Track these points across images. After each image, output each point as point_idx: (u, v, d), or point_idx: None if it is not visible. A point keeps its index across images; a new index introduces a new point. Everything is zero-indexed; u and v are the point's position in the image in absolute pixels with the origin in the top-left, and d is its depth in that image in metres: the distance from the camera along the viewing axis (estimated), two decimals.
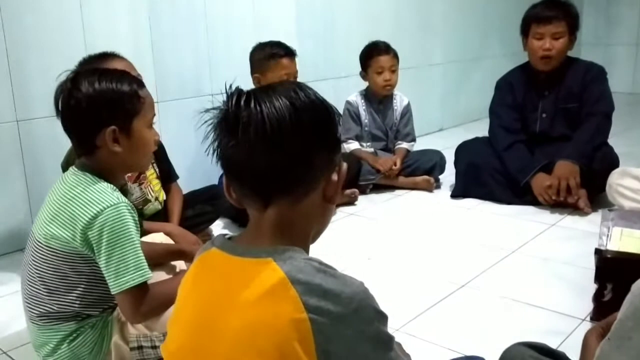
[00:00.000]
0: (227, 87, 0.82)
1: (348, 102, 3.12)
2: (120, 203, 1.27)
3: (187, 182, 2.62)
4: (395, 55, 3.07)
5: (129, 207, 1.29)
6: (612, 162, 2.61)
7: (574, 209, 2.57)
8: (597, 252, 1.65)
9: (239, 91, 0.81)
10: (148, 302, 1.30)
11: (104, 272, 1.27)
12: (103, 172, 1.34)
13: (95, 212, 1.25)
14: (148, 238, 1.89)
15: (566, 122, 2.75)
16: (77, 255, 1.30)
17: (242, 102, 0.79)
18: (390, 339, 0.83)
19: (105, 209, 1.25)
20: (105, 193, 1.28)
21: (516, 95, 2.82)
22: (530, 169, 2.64)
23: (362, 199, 2.89)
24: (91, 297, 1.36)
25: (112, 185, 1.31)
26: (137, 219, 1.31)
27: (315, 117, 0.81)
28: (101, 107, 1.29)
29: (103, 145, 1.31)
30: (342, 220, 2.63)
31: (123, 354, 1.41)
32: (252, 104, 0.79)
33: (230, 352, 0.76)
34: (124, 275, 1.26)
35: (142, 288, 1.29)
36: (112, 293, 1.29)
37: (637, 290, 0.85)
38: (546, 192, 2.56)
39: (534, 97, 2.80)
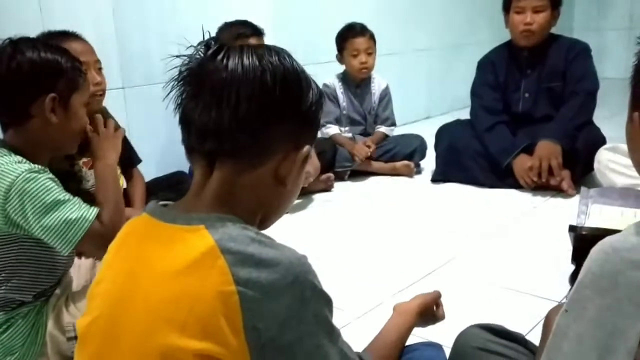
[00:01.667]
0: (205, 35, 0.77)
1: (325, 85, 3.01)
2: (31, 169, 1.18)
3: (156, 170, 2.52)
4: (372, 37, 2.97)
5: (41, 170, 1.20)
6: (597, 141, 2.51)
7: (557, 191, 2.46)
8: (572, 229, 1.54)
9: (210, 41, 0.76)
10: (109, 228, 1.21)
11: (45, 240, 1.19)
12: (26, 150, 1.24)
13: (6, 185, 1.15)
14: None
15: (549, 101, 2.65)
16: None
17: (211, 53, 0.74)
18: (333, 329, 0.73)
19: (16, 178, 1.16)
20: (10, 164, 1.18)
21: (498, 74, 2.71)
22: (512, 151, 2.54)
23: (339, 186, 2.78)
24: (20, 282, 1.26)
25: (20, 158, 1.21)
26: (55, 180, 1.22)
27: (282, 86, 0.73)
28: (45, 73, 1.24)
29: (38, 114, 1.23)
30: (316, 207, 2.53)
31: (59, 345, 1.31)
32: (220, 56, 0.74)
33: (148, 325, 0.68)
34: (65, 232, 1.18)
35: (94, 228, 1.21)
36: (66, 254, 1.22)
37: (596, 254, 0.74)
38: (527, 174, 2.46)
39: (517, 76, 2.69)
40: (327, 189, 2.72)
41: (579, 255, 1.57)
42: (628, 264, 0.69)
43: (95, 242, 1.20)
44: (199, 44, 0.76)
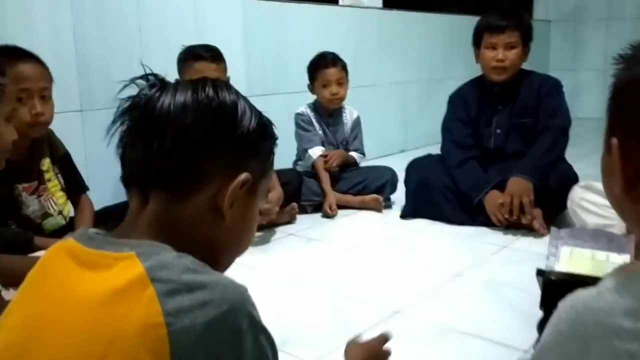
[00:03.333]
0: (146, 70, 0.78)
1: (299, 114, 2.93)
2: None
3: (112, 198, 2.38)
4: (344, 68, 2.90)
5: None
6: (570, 179, 2.43)
7: (528, 230, 2.38)
8: (540, 273, 1.44)
9: (150, 75, 0.77)
10: None
11: None
12: None
13: None
14: (35, 255, 1.66)
15: (521, 137, 2.58)
16: None
17: (149, 86, 0.75)
18: None
19: None
20: None
21: (469, 109, 2.65)
22: (483, 187, 2.46)
23: (304, 218, 2.67)
24: None
25: None
26: None
27: (213, 115, 0.73)
28: None
29: None
30: (278, 240, 2.40)
31: None
32: (155, 90, 0.74)
33: (63, 358, 0.63)
34: None
35: None
36: None
37: (565, 312, 0.61)
38: (499, 210, 2.37)
39: (488, 111, 2.63)
40: (290, 220, 2.60)
41: (548, 301, 1.47)
42: (604, 330, 0.55)
43: None
44: (135, 78, 0.76)
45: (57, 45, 2.45)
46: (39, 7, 2.38)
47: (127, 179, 0.75)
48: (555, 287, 1.43)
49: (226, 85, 0.77)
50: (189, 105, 0.72)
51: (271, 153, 0.80)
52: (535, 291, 1.74)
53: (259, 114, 0.77)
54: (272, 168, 0.81)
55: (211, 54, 2.35)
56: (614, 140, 0.66)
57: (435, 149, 3.01)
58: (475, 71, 2.69)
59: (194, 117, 0.71)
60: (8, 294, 1.41)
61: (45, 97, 1.82)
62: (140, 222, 0.72)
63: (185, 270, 0.64)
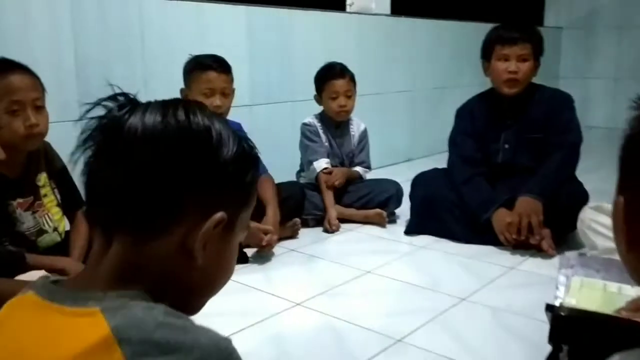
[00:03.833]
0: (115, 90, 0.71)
1: (306, 124, 2.86)
2: None
3: None
4: (352, 79, 2.84)
5: None
6: (581, 198, 2.36)
7: (537, 250, 2.31)
8: (549, 308, 1.38)
9: (118, 95, 0.69)
10: None
11: None
12: None
13: None
14: (26, 276, 1.61)
15: (530, 153, 2.51)
16: None
17: (116, 109, 0.67)
18: None
19: None
20: None
21: (477, 124, 2.58)
22: (491, 205, 2.39)
23: (307, 233, 2.61)
24: None
25: None
26: None
27: (183, 145, 0.65)
28: None
29: None
30: (279, 257, 2.35)
31: None
32: (124, 111, 0.66)
33: None
34: None
35: None
36: None
37: None
38: (507, 230, 2.31)
39: (496, 126, 2.56)
40: (292, 235, 2.54)
41: (557, 336, 1.41)
42: None
43: None
44: (102, 99, 0.69)
45: (56, 53, 2.40)
46: (38, 13, 2.33)
47: (89, 215, 0.67)
48: (565, 323, 1.37)
49: (199, 108, 0.69)
50: (157, 131, 0.64)
51: (253, 182, 0.71)
52: (542, 319, 1.68)
53: (238, 140, 0.69)
54: (254, 196, 0.73)
55: (220, 64, 2.31)
56: (620, 200, 0.62)
57: (442, 158, 2.95)
58: (484, 78, 2.62)
59: (161, 145, 0.63)
60: None
61: (39, 107, 1.77)
62: (103, 266, 0.65)
63: (158, 327, 0.57)
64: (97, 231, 0.66)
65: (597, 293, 1.49)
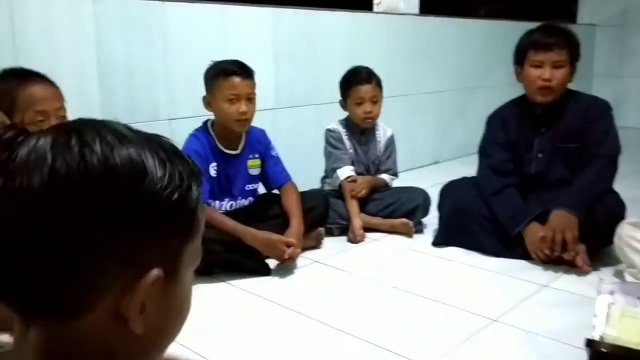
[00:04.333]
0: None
1: (330, 130, 2.79)
2: None
3: None
4: (379, 84, 2.76)
5: None
6: (618, 212, 2.26)
7: (570, 266, 2.21)
8: (590, 343, 1.29)
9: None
10: None
11: None
12: None
13: None
14: None
15: (565, 163, 2.40)
16: None
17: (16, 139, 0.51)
18: None
19: None
20: None
21: (509, 132, 2.48)
22: (523, 218, 2.29)
23: (331, 242, 2.55)
24: None
25: None
26: None
27: (92, 185, 0.49)
28: None
29: None
30: (303, 268, 2.29)
31: None
32: (7, 147, 0.50)
33: None
34: None
35: None
36: None
37: None
38: (540, 246, 2.21)
39: (529, 134, 2.46)
40: (317, 245, 2.48)
41: None
42: None
43: None
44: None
45: (79, 58, 2.37)
46: (60, 18, 2.30)
47: None
48: (605, 358, 1.29)
49: (116, 132, 0.52)
50: (58, 174, 0.48)
51: (197, 206, 0.56)
52: (575, 344, 1.60)
53: (165, 159, 0.53)
54: (201, 221, 0.57)
55: (243, 69, 2.26)
56: None
57: (470, 161, 2.86)
58: (514, 78, 2.50)
59: (62, 193, 0.48)
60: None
61: (61, 117, 1.74)
62: (26, 353, 0.53)
63: None
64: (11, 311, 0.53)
65: (638, 323, 1.41)
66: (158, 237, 0.52)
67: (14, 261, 0.49)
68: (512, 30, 2.54)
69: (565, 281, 2.14)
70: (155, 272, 0.51)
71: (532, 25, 2.47)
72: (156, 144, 0.54)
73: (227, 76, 2.23)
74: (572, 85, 2.45)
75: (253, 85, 2.29)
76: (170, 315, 0.57)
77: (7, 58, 2.09)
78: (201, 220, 0.57)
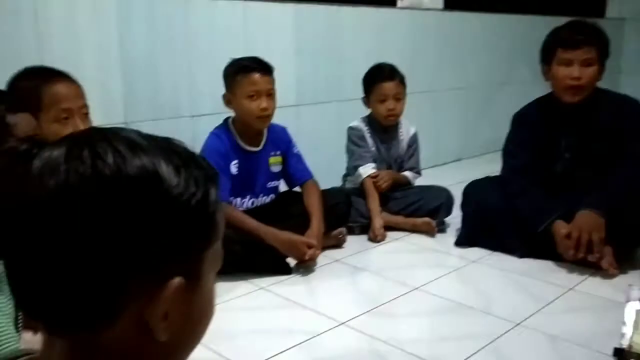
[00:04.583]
0: None
1: (352, 128, 2.77)
2: None
3: None
4: (402, 82, 2.73)
5: None
6: None
7: (596, 268, 2.16)
8: (618, 352, 1.26)
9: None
10: None
11: None
12: None
13: None
14: None
15: (593, 164, 2.34)
16: None
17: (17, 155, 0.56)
18: None
19: None
20: None
21: (535, 131, 2.42)
22: (549, 214, 2.24)
23: (352, 241, 2.53)
24: None
25: None
26: None
27: (118, 202, 0.49)
28: None
29: None
30: (324, 267, 2.28)
31: None
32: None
33: None
34: None
35: None
36: None
37: None
38: (565, 243, 2.16)
39: (556, 134, 2.40)
40: (339, 244, 2.47)
41: None
42: None
43: None
44: None
45: (102, 54, 2.39)
46: (84, 13, 2.31)
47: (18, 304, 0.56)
48: None
49: (129, 142, 0.52)
50: (72, 187, 0.49)
51: (217, 210, 0.56)
52: (601, 350, 1.57)
53: (181, 165, 0.53)
54: (221, 225, 0.58)
55: (263, 66, 2.25)
56: None
57: (493, 158, 2.81)
58: (540, 74, 2.44)
59: (76, 206, 0.49)
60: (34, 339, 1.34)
61: (85, 115, 1.75)
62: None
63: None
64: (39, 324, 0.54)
65: None
66: (178, 244, 0.52)
67: (36, 276, 0.50)
68: (537, 25, 2.49)
69: (591, 284, 2.09)
70: (177, 280, 0.52)
71: (558, 19, 2.41)
72: (170, 150, 0.54)
73: (246, 73, 2.22)
74: (598, 82, 2.39)
75: (273, 81, 2.28)
76: (194, 320, 0.57)
77: (32, 57, 2.11)
78: (220, 223, 0.58)
